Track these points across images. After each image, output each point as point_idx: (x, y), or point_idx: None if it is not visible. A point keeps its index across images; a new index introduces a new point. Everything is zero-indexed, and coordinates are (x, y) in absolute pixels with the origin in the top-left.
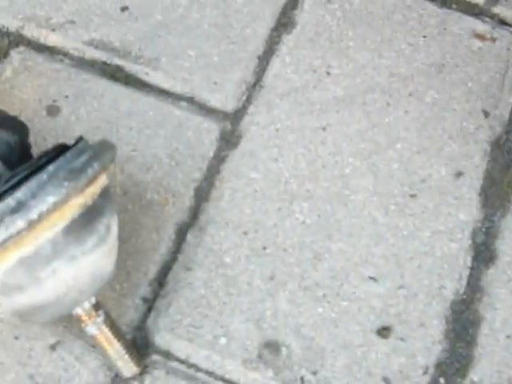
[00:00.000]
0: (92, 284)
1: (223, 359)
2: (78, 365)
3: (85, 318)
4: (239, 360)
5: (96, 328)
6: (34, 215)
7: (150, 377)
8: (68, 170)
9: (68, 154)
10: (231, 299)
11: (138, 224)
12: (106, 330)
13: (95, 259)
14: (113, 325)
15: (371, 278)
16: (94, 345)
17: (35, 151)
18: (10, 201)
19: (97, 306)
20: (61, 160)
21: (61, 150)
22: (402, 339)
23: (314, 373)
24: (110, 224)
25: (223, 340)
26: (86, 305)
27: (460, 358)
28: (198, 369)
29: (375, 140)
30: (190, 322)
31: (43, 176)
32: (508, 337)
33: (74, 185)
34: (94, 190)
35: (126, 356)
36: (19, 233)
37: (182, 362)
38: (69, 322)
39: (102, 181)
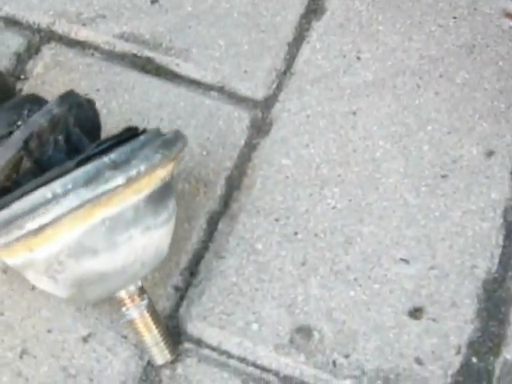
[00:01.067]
0: (153, 259)
1: (255, 345)
2: (109, 355)
3: (127, 301)
4: (271, 345)
5: (138, 312)
6: (133, 173)
7: (181, 365)
8: (161, 140)
9: (153, 131)
10: (263, 286)
11: None
12: (146, 315)
13: (162, 235)
14: (154, 310)
15: (403, 259)
16: (132, 328)
17: None
18: (107, 159)
19: (141, 290)
20: (150, 133)
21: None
22: (434, 320)
23: (346, 356)
24: (175, 205)
25: (255, 326)
26: (132, 288)
27: (492, 337)
28: (229, 355)
29: (406, 123)
30: (222, 310)
31: (137, 143)
32: None
33: (167, 154)
34: (172, 167)
35: (162, 343)
36: (116, 189)
37: (213, 349)
38: (100, 314)
39: (176, 162)
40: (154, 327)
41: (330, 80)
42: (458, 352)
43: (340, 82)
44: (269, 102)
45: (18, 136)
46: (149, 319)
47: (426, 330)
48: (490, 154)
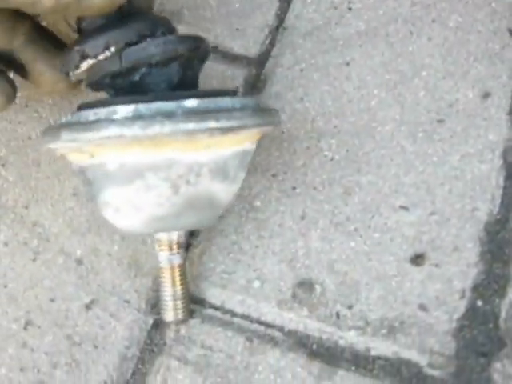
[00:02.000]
0: (214, 212)
1: (258, 302)
2: (113, 321)
3: (164, 247)
4: (274, 301)
5: (168, 262)
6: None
7: (185, 326)
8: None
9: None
10: (263, 242)
11: None
12: (176, 269)
13: (232, 194)
14: (184, 269)
15: (402, 207)
16: (159, 276)
17: None
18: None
19: (181, 244)
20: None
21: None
22: (436, 265)
23: (350, 307)
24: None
25: (257, 283)
26: (174, 236)
27: (497, 279)
28: (233, 314)
29: (400, 70)
30: (223, 269)
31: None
32: None
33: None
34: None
35: (180, 301)
36: (255, 128)
37: (216, 308)
38: (102, 281)
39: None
40: (178, 283)
41: (322, 32)
42: (463, 296)
43: (332, 33)
44: (262, 59)
45: (144, 48)
46: (177, 274)
47: (428, 276)
48: (486, 95)
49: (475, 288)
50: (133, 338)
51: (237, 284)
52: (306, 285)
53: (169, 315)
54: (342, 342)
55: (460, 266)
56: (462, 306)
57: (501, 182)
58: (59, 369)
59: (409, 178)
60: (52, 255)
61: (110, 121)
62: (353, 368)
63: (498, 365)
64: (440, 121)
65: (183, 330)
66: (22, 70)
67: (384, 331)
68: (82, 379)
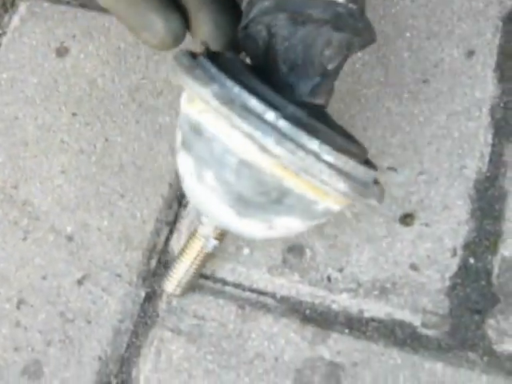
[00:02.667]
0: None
1: (248, 270)
2: (105, 296)
3: (199, 230)
4: (264, 268)
5: (194, 246)
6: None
7: (176, 297)
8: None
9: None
10: None
11: (153, 150)
12: (202, 254)
13: (301, 231)
14: (206, 259)
15: (390, 168)
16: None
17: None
18: None
19: (221, 236)
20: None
21: None
22: (426, 224)
23: (340, 270)
24: None
25: (246, 250)
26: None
27: (489, 235)
28: (224, 282)
29: (383, 32)
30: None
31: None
32: None
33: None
34: None
35: (185, 280)
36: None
37: (207, 278)
38: (93, 256)
39: None
40: (196, 265)
41: None
42: (454, 254)
43: None
44: None
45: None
46: (201, 258)
47: (419, 235)
48: (470, 54)
49: (467, 246)
50: (126, 312)
51: (226, 252)
52: (296, 250)
53: (168, 286)
54: (334, 306)
55: (450, 225)
56: (453, 264)
57: (489, 139)
58: (53, 346)
59: (396, 139)
60: (42, 233)
61: (261, 121)
62: (346, 331)
63: (492, 321)
64: (425, 81)
65: (175, 302)
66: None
67: (376, 292)
68: (76, 355)
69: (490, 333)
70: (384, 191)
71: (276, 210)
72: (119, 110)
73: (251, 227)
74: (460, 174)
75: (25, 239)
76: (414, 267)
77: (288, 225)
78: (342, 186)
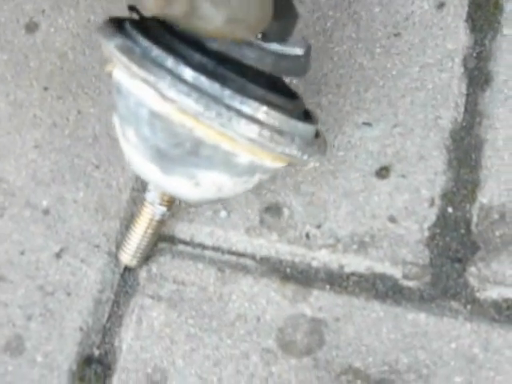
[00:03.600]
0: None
1: (226, 232)
2: (84, 267)
3: (146, 198)
4: (242, 229)
5: (144, 215)
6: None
7: (156, 264)
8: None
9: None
10: None
11: None
12: (151, 222)
13: (236, 192)
14: (160, 224)
15: (365, 123)
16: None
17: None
18: None
19: (167, 203)
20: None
21: None
22: (403, 176)
23: (318, 226)
24: None
25: (223, 213)
26: (160, 191)
27: (466, 184)
28: (203, 247)
29: None
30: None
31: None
32: None
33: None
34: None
35: (140, 252)
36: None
37: (186, 243)
38: (70, 228)
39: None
40: (146, 236)
41: None
42: (432, 204)
43: None
44: None
45: None
46: (153, 226)
47: (396, 187)
48: (441, 5)
49: (444, 195)
50: (106, 282)
51: (203, 216)
52: (273, 209)
53: (125, 258)
54: (314, 263)
55: (427, 175)
56: (432, 215)
57: (463, 89)
58: (34, 320)
59: (370, 94)
60: (18, 209)
61: (177, 79)
62: (327, 287)
63: (473, 269)
64: (397, 35)
65: (155, 268)
66: None
67: (355, 247)
68: (57, 328)
69: (472, 281)
70: (326, 143)
71: (195, 162)
72: (91, 82)
73: (178, 184)
74: (435, 125)
75: (1, 216)
76: (392, 219)
77: (215, 181)
78: (246, 131)
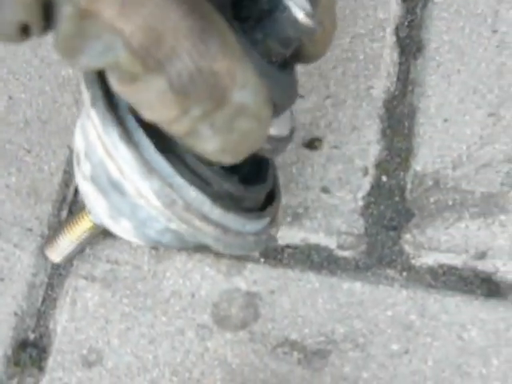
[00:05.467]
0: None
1: None
2: (17, 251)
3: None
4: None
5: (83, 222)
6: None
7: (89, 245)
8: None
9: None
10: None
11: (57, 103)
12: (89, 230)
13: None
14: (94, 234)
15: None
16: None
17: None
18: None
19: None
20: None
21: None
22: (335, 147)
23: None
24: None
25: None
26: None
27: (400, 152)
28: None
29: None
30: None
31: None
32: (445, 120)
33: None
34: None
35: (69, 250)
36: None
37: None
38: (2, 213)
39: None
40: (81, 237)
41: None
42: (366, 174)
43: None
44: None
45: None
46: (85, 232)
47: (328, 158)
48: None
49: (378, 164)
50: (39, 265)
51: None
52: None
53: (51, 254)
54: None
55: (360, 145)
56: (366, 184)
57: (395, 58)
58: None
59: (300, 67)
60: None
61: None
62: (262, 260)
63: (408, 236)
64: None
65: (88, 249)
66: None
67: (289, 219)
68: None
69: (407, 248)
70: (272, 237)
71: (189, 249)
72: (22, 67)
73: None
74: (367, 95)
75: None
76: (325, 190)
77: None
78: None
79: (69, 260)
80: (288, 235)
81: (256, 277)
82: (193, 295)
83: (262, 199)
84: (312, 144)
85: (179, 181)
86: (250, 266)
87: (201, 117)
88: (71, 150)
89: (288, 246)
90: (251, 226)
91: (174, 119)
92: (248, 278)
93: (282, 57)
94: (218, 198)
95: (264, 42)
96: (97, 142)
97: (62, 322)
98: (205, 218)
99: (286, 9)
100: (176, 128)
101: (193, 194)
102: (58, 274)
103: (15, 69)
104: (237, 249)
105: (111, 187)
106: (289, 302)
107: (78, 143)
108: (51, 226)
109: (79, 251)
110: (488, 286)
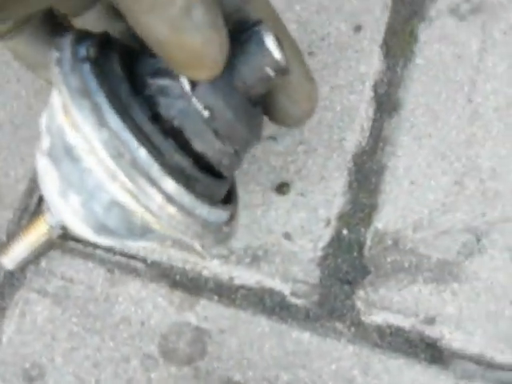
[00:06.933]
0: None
1: None
2: None
3: (46, 218)
4: None
5: (39, 229)
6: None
7: (45, 258)
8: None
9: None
10: None
11: (32, 109)
12: (44, 237)
13: None
14: (50, 243)
15: (270, 137)
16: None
17: None
18: None
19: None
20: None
21: None
22: (302, 194)
23: None
24: None
25: None
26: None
27: (363, 208)
28: (95, 246)
29: (273, 3)
30: None
31: None
32: (412, 182)
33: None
34: None
35: (20, 258)
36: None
37: (78, 240)
38: None
39: None
40: (36, 245)
41: None
42: (328, 225)
43: None
44: None
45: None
46: (41, 239)
47: (294, 204)
48: (358, 28)
49: (341, 217)
50: None
51: None
52: None
53: (4, 259)
54: (205, 272)
55: (326, 196)
56: (327, 235)
57: (370, 113)
58: None
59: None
60: None
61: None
62: (215, 297)
63: (361, 292)
64: (311, 53)
65: (43, 263)
66: None
67: (248, 260)
68: None
69: (359, 304)
70: (231, 233)
71: (136, 239)
72: (0, 68)
73: (102, 242)
74: (339, 146)
75: None
76: (287, 236)
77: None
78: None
79: (22, 267)
80: (244, 276)
81: (208, 313)
82: (142, 324)
83: (218, 194)
84: (280, 188)
85: (129, 138)
86: (203, 302)
87: None
88: None
89: (243, 287)
90: (202, 210)
91: None
92: (199, 314)
93: (254, 93)
94: (167, 168)
95: (238, 70)
96: (59, 108)
97: (8, 332)
98: (151, 181)
99: (260, 40)
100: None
101: (142, 153)
102: (10, 284)
103: None
104: (182, 228)
105: (65, 155)
106: (237, 343)
107: (43, 123)
108: (10, 233)
109: (33, 259)
110: (432, 352)
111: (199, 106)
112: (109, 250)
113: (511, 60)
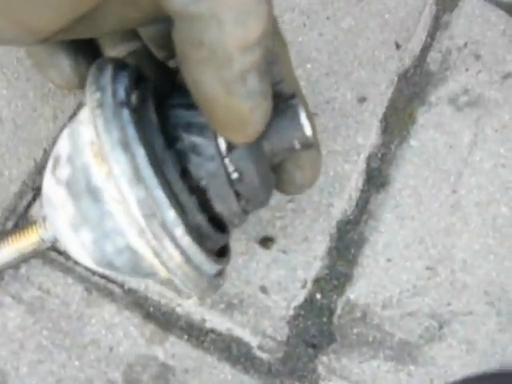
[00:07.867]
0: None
1: None
2: None
3: (39, 231)
4: None
5: (28, 239)
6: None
7: (26, 265)
8: None
9: None
10: None
11: (36, 112)
12: (32, 247)
13: None
14: (36, 253)
15: None
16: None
17: None
18: None
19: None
20: None
21: None
22: (284, 251)
23: None
24: None
25: None
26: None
27: (339, 276)
28: (76, 262)
29: None
30: None
31: None
32: (388, 260)
33: None
34: None
35: (2, 263)
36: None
37: (60, 253)
38: None
39: None
40: (21, 253)
41: None
42: (304, 286)
43: None
44: None
45: None
46: (28, 249)
47: (274, 260)
48: (362, 99)
49: (317, 281)
50: None
51: None
52: None
53: None
54: (179, 309)
55: (306, 257)
56: (301, 296)
57: (360, 184)
58: None
59: None
60: None
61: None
62: (185, 337)
63: (324, 358)
64: (314, 114)
65: (23, 269)
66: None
67: (222, 306)
68: None
69: (320, 369)
70: (219, 286)
71: (136, 277)
72: (12, 63)
73: (98, 271)
74: (326, 211)
75: None
76: (263, 290)
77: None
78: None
79: (1, 271)
80: (216, 321)
81: (175, 351)
82: (111, 349)
83: (218, 248)
84: (264, 242)
85: (162, 198)
86: (172, 338)
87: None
88: (36, 164)
89: (213, 331)
90: (207, 267)
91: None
92: (168, 350)
93: (275, 161)
94: (188, 227)
95: (268, 138)
96: (88, 145)
97: None
98: (174, 241)
99: (295, 115)
100: (243, 59)
101: (171, 214)
102: None
103: (5, 63)
104: (191, 284)
105: (87, 193)
106: None
107: (62, 148)
108: None
109: (14, 266)
110: None
111: (230, 168)
112: (89, 268)
113: (498, 159)
